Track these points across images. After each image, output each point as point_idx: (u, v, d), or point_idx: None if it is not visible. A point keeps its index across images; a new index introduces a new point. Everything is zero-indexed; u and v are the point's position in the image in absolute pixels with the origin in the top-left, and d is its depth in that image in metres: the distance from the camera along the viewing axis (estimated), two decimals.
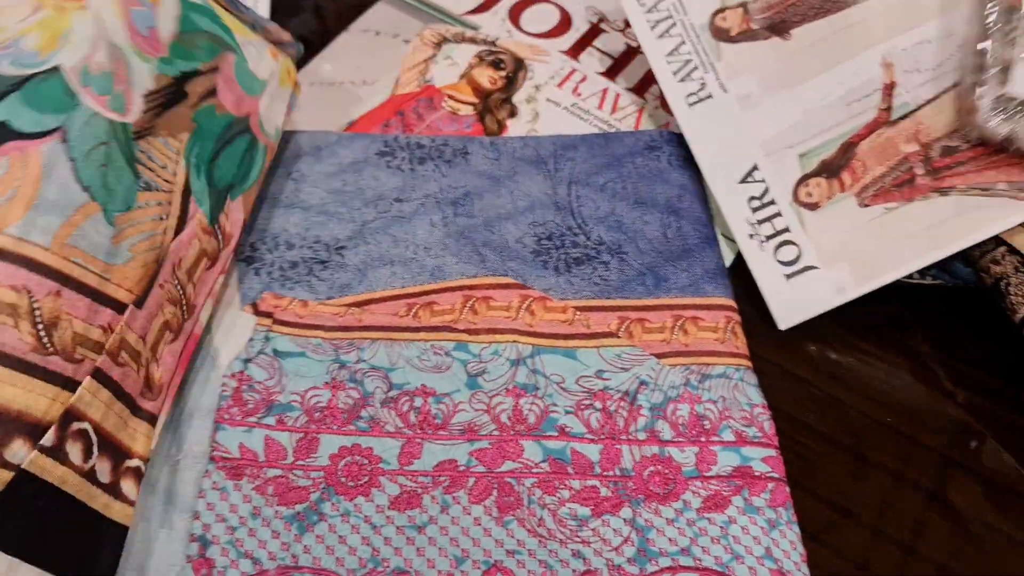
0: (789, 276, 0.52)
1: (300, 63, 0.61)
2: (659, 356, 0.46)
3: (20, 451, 0.32)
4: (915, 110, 0.54)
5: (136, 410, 0.38)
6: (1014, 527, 0.46)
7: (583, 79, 0.62)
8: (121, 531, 0.36)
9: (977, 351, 0.54)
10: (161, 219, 0.39)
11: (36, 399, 0.33)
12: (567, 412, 0.43)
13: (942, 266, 0.56)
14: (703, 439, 0.43)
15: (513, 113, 0.60)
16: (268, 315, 0.46)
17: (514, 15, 0.66)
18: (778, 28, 0.54)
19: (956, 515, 0.46)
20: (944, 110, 0.54)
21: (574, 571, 0.39)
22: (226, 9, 0.47)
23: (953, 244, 0.52)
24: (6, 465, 0.31)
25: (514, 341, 0.45)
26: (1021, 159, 0.51)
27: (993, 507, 0.47)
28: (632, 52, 0.65)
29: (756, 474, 0.42)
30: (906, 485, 0.47)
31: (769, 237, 0.52)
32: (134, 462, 0.37)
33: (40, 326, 0.33)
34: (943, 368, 0.53)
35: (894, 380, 0.52)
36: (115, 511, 0.36)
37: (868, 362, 0.53)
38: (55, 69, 0.37)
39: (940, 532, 0.46)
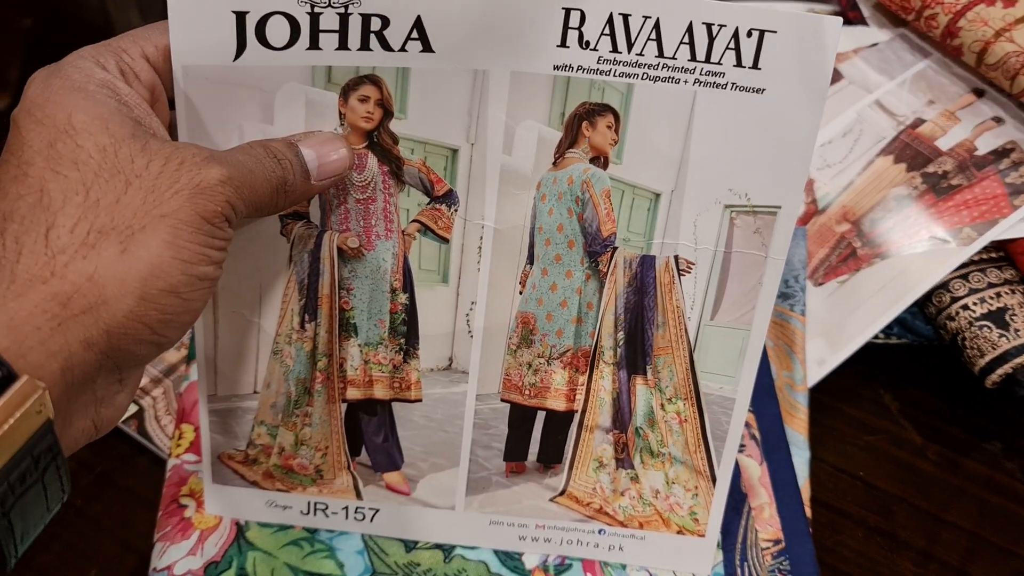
0: None
1: None
2: None
3: None
4: (837, 197, 0.64)
5: None
6: None
7: None
8: None
9: (945, 406, 0.59)
10: None
11: None
12: None
13: (905, 326, 0.61)
14: None
15: None
16: None
17: None
18: None
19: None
20: (862, 191, 0.64)
21: None
22: None
23: (903, 300, 0.58)
24: None
25: None
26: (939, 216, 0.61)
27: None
28: None
29: None
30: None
31: None
32: None
33: None
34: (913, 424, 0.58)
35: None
36: None
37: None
38: None
39: None
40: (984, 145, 0.64)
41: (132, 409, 0.55)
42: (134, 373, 0.33)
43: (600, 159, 0.41)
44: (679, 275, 0.43)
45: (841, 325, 0.59)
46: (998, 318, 0.57)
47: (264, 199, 0.34)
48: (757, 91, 0.39)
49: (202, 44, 0.36)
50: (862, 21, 0.77)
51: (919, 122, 0.67)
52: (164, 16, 0.35)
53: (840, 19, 0.37)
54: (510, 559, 0.48)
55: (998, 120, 0.66)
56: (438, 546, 0.48)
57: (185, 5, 0.35)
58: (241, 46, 0.36)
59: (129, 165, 0.30)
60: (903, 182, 0.63)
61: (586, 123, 0.40)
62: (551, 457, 0.47)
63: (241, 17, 0.36)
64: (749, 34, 0.37)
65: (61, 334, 0.28)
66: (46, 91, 0.31)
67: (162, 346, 0.31)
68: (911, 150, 0.65)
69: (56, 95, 0.31)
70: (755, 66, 0.38)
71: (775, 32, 0.37)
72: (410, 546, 0.48)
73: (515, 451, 0.47)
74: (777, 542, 0.50)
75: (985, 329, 0.56)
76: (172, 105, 0.37)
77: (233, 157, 0.33)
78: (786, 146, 0.39)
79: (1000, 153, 0.63)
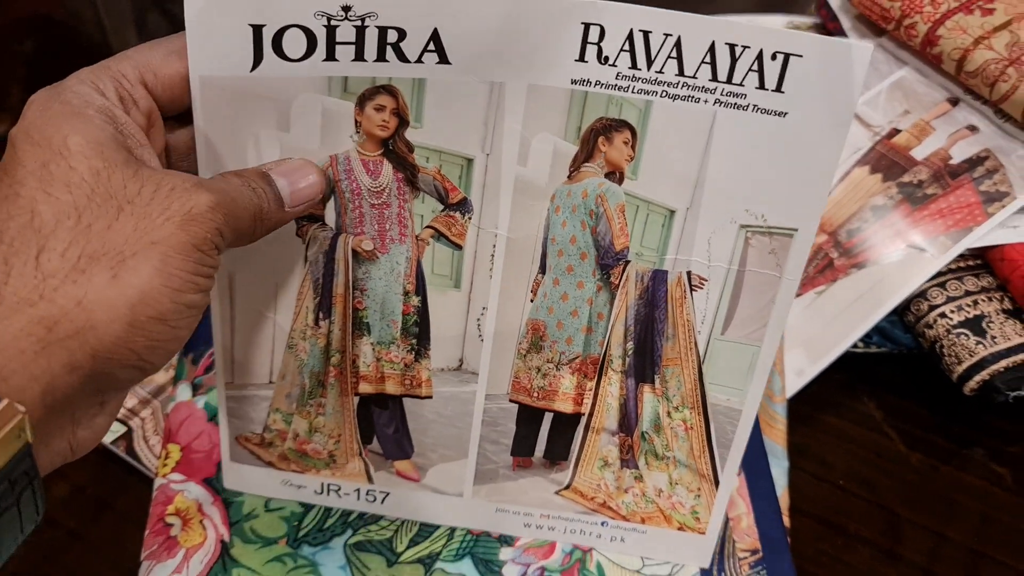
0: None
1: None
2: None
3: None
4: None
5: None
6: None
7: None
8: None
9: (926, 413, 0.59)
10: None
11: None
12: None
13: (884, 334, 0.61)
14: None
15: None
16: None
17: None
18: None
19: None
20: (839, 202, 0.64)
21: None
22: None
23: (881, 309, 0.58)
24: None
25: None
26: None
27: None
28: None
29: None
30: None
31: None
32: None
33: None
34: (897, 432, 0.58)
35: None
36: None
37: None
38: None
39: None
40: (959, 153, 0.64)
41: (121, 430, 0.55)
42: (116, 397, 0.33)
43: (615, 174, 0.41)
44: (691, 290, 0.43)
45: (819, 335, 0.59)
46: (975, 325, 0.57)
47: (245, 226, 0.34)
48: (779, 114, 0.38)
49: (219, 55, 0.36)
50: (841, 33, 0.76)
51: (894, 132, 0.67)
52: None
53: (871, 45, 0.36)
54: (490, 572, 0.49)
55: (972, 128, 0.65)
56: (419, 560, 0.49)
57: (203, 18, 0.35)
58: (258, 58, 0.36)
59: (122, 191, 0.30)
60: (879, 192, 0.64)
61: (603, 138, 0.40)
62: (557, 455, 0.48)
63: (258, 30, 0.35)
64: (774, 57, 0.36)
65: (44, 358, 0.28)
66: (45, 113, 0.31)
67: (146, 371, 0.32)
68: (887, 160, 0.65)
69: (55, 118, 0.31)
70: (778, 89, 0.37)
71: (801, 56, 0.36)
72: (392, 561, 0.49)
73: (522, 447, 0.47)
74: (755, 552, 0.50)
75: (963, 336, 0.57)
76: (171, 127, 0.37)
77: (217, 185, 0.33)
78: (806, 170, 0.39)
79: (974, 161, 0.63)
